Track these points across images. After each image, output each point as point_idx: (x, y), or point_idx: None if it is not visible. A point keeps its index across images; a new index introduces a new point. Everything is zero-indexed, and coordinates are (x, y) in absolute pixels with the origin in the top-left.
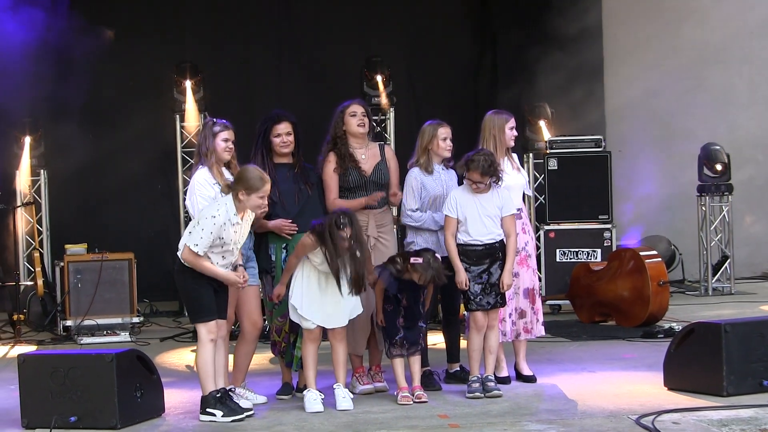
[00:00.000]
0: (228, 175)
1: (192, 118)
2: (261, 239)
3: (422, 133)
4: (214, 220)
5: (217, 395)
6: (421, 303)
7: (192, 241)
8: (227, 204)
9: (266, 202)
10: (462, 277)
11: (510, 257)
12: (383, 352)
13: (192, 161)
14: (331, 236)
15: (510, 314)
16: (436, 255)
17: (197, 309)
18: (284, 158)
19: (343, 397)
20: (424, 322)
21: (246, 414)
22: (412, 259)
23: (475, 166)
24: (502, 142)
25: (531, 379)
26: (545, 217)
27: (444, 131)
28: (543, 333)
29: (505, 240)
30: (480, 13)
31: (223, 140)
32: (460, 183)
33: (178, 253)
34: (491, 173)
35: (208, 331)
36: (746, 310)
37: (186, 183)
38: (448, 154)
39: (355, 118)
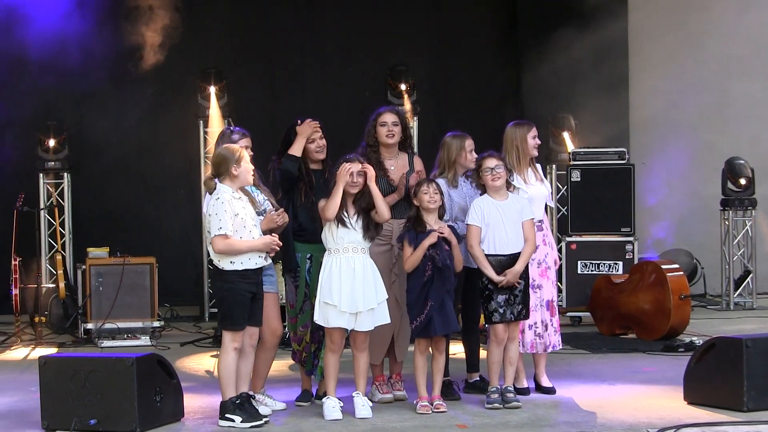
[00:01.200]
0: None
1: (216, 123)
2: (286, 243)
3: (447, 146)
4: (220, 200)
5: (237, 401)
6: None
7: (215, 229)
8: (221, 188)
9: (251, 165)
10: (499, 277)
11: (524, 256)
12: (402, 362)
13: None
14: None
15: (531, 326)
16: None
17: (228, 316)
18: (316, 164)
19: (363, 405)
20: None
21: (265, 420)
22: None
23: (486, 156)
24: (525, 152)
25: (550, 391)
26: (567, 228)
27: (470, 143)
28: (560, 346)
29: (525, 244)
30: (505, 23)
31: (244, 147)
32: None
33: (213, 258)
34: (502, 159)
35: (233, 339)
36: None
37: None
38: (473, 166)
39: (384, 128)
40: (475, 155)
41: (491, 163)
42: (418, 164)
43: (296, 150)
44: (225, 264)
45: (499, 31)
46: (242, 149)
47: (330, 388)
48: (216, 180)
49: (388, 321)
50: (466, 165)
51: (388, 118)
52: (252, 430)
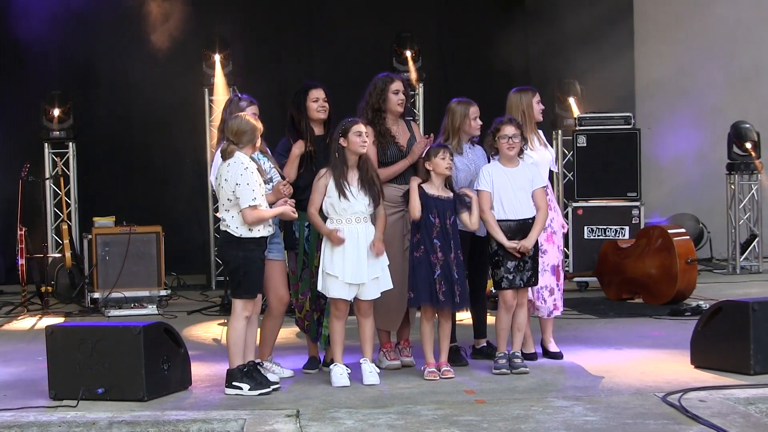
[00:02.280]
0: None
1: (221, 91)
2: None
3: (452, 112)
4: (248, 170)
5: (244, 369)
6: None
7: (247, 201)
8: (240, 157)
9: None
10: (511, 243)
11: (537, 227)
12: (410, 328)
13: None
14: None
15: (538, 290)
16: None
17: (242, 284)
18: (319, 128)
19: (370, 372)
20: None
21: (273, 387)
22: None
23: (506, 122)
24: (531, 117)
25: (558, 356)
26: (573, 194)
27: (474, 110)
28: (561, 310)
29: (537, 213)
30: None
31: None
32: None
33: (224, 228)
34: (520, 127)
35: (244, 307)
36: None
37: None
38: (478, 132)
39: (397, 96)
40: (479, 122)
41: (509, 131)
42: (417, 130)
43: (290, 173)
44: (243, 231)
45: None
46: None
47: (337, 355)
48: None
49: (392, 286)
50: (471, 132)
51: (401, 86)
52: (260, 398)
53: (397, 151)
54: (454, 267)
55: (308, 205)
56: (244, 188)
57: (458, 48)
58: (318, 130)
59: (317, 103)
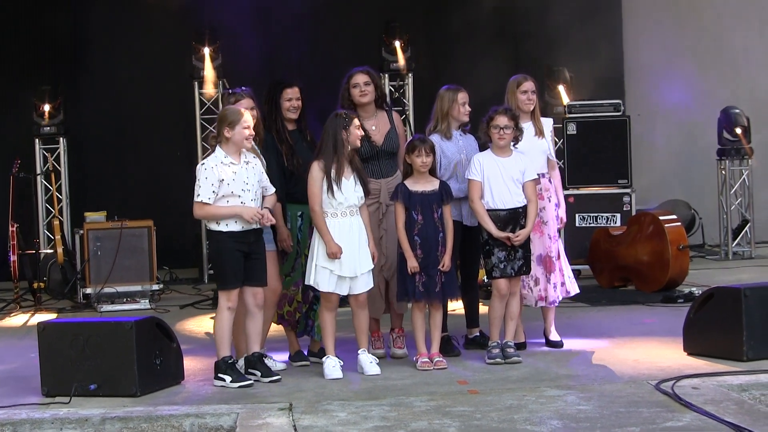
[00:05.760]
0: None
1: (210, 85)
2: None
3: (441, 98)
4: (203, 167)
5: (229, 360)
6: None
7: (195, 195)
8: (215, 152)
9: (252, 132)
10: (500, 233)
11: (530, 220)
12: (402, 316)
13: (211, 128)
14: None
15: (523, 279)
16: None
17: (220, 276)
18: (291, 124)
19: (370, 362)
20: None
21: (251, 381)
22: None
23: (500, 113)
24: (519, 106)
25: (557, 345)
26: (564, 182)
27: (463, 96)
28: (576, 291)
29: (528, 205)
30: None
31: (249, 109)
32: (482, 149)
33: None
34: (515, 118)
35: (227, 299)
36: (766, 275)
37: (205, 150)
38: (466, 119)
39: (357, 89)
40: (468, 108)
41: (502, 121)
42: (398, 121)
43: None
44: (212, 224)
45: None
46: (244, 111)
47: (329, 347)
48: (218, 140)
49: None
50: (459, 118)
51: (360, 78)
52: (252, 391)
53: (369, 147)
54: (440, 259)
55: (311, 202)
56: (196, 183)
57: (447, 37)
58: (290, 126)
59: (290, 102)
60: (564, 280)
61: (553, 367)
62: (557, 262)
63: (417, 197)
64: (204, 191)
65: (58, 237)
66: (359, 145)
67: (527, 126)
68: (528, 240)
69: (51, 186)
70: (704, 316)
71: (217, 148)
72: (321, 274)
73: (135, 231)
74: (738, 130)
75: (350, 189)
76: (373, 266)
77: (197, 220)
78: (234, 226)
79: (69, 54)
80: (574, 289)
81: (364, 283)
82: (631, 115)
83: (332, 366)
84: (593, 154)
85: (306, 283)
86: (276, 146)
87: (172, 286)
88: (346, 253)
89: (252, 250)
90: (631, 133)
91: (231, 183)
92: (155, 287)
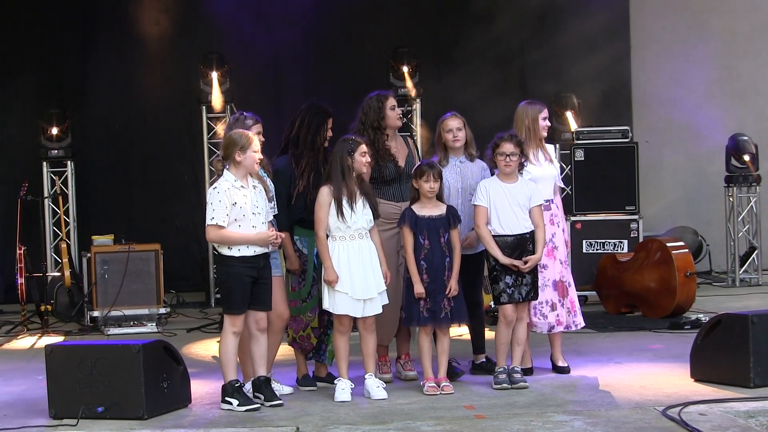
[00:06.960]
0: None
1: (218, 108)
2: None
3: (437, 128)
4: (216, 189)
5: (236, 384)
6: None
7: (208, 218)
8: (224, 175)
9: (261, 156)
10: (506, 259)
11: (539, 246)
12: (410, 342)
13: (218, 152)
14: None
15: (535, 306)
16: None
17: (227, 300)
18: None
19: (377, 387)
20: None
21: (257, 405)
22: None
23: (506, 139)
24: (536, 133)
25: (564, 370)
26: (572, 208)
27: (449, 123)
28: (581, 325)
29: (535, 231)
30: (509, 4)
31: (256, 134)
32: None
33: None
34: (521, 144)
35: (232, 323)
36: None
37: (212, 174)
38: (455, 145)
39: (394, 111)
40: (456, 135)
41: (507, 148)
42: (412, 146)
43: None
44: (223, 249)
45: (502, 11)
46: (253, 136)
47: (342, 370)
48: (225, 164)
49: (387, 301)
50: (450, 144)
51: (395, 102)
52: (259, 415)
53: (395, 169)
54: (447, 284)
55: (316, 227)
56: (209, 206)
57: (455, 63)
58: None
59: (328, 132)
60: (575, 310)
61: (560, 393)
62: (569, 288)
63: (424, 222)
64: (218, 214)
65: (65, 260)
66: (364, 170)
67: (537, 153)
68: (535, 266)
69: (58, 209)
70: (711, 343)
71: (226, 171)
72: (335, 297)
73: (142, 254)
74: (746, 157)
75: (359, 212)
76: (386, 288)
77: (204, 243)
78: (246, 251)
79: (77, 77)
80: (580, 322)
81: (379, 304)
82: (639, 141)
83: (342, 388)
84: (601, 180)
85: (323, 307)
86: (291, 173)
87: (179, 309)
88: (357, 275)
89: (260, 275)
90: (639, 160)
91: (243, 206)
92: (162, 311)
